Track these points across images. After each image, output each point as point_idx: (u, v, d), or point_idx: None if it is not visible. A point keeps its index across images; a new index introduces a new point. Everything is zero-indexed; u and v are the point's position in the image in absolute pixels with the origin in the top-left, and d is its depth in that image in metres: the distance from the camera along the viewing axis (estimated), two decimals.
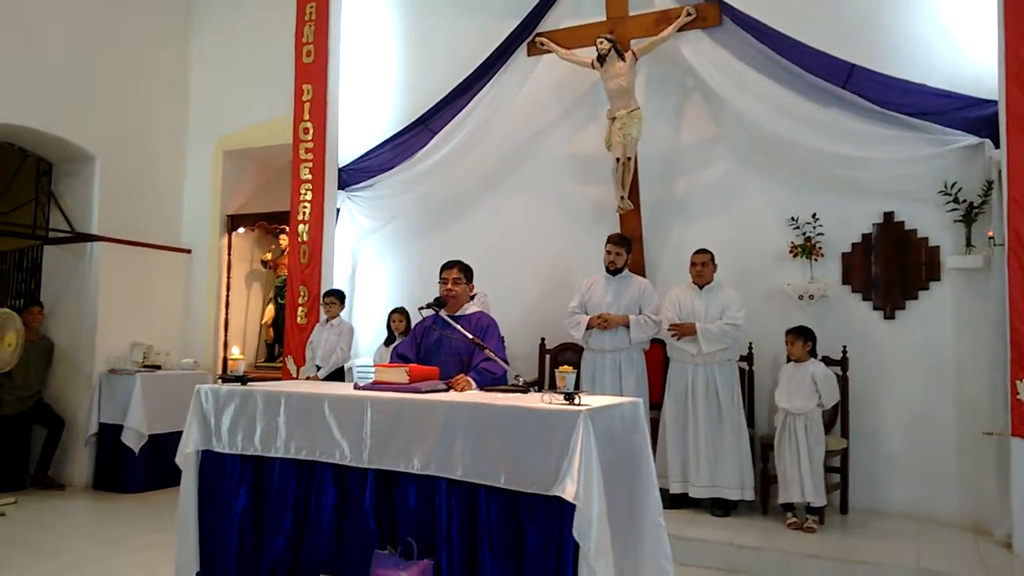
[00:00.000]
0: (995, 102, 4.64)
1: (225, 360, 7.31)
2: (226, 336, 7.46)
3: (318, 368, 6.02)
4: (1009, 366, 4.41)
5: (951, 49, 5.14)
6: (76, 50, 6.51)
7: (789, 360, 5.02)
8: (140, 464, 6.28)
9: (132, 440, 6.24)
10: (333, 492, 3.23)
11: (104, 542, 4.89)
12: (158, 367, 6.77)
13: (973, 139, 4.84)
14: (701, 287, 5.23)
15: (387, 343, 6.11)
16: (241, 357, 3.90)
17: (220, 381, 3.78)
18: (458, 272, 4.04)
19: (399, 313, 6.13)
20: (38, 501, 5.87)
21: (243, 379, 3.64)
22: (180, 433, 3.64)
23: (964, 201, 4.99)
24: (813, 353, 4.98)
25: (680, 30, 5.60)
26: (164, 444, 6.20)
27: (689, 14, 5.55)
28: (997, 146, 4.65)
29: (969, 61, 5.02)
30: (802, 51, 5.25)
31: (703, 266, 5.22)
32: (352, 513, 3.19)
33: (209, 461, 3.55)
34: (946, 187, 5.03)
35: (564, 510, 2.71)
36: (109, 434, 6.39)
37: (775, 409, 4.99)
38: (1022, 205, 4.39)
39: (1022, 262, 4.37)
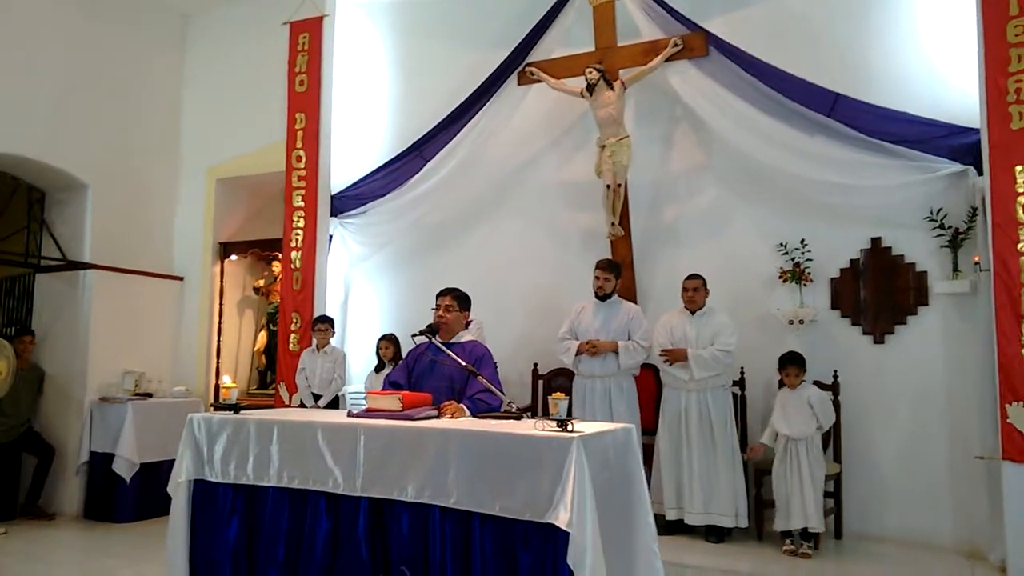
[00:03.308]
0: (977, 130, 4.72)
1: (217, 388, 7.27)
2: (218, 363, 7.42)
3: (317, 397, 6.00)
4: (998, 390, 4.44)
5: (933, 78, 5.24)
6: (70, 80, 6.55)
7: (782, 386, 5.04)
8: (131, 493, 6.20)
9: (123, 469, 6.17)
10: (326, 521, 3.23)
11: (95, 573, 4.83)
12: (150, 395, 6.73)
13: (957, 166, 4.92)
14: (693, 312, 5.26)
15: (376, 370, 6.09)
16: (234, 385, 3.91)
17: (212, 409, 3.78)
18: (451, 299, 4.03)
19: (387, 340, 6.10)
20: (28, 531, 5.80)
21: (236, 407, 3.65)
22: (172, 462, 3.63)
23: (950, 227, 5.06)
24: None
25: (668, 60, 5.70)
26: (155, 473, 6.14)
27: (676, 45, 5.65)
28: (980, 173, 4.73)
29: (951, 90, 5.11)
30: (787, 80, 5.34)
31: (695, 291, 5.25)
32: (345, 542, 3.18)
33: (201, 490, 3.54)
34: (932, 213, 5.10)
35: (558, 537, 2.72)
36: (100, 463, 6.32)
37: (770, 435, 4.99)
38: (1006, 231, 4.46)
39: (1008, 287, 4.43)
